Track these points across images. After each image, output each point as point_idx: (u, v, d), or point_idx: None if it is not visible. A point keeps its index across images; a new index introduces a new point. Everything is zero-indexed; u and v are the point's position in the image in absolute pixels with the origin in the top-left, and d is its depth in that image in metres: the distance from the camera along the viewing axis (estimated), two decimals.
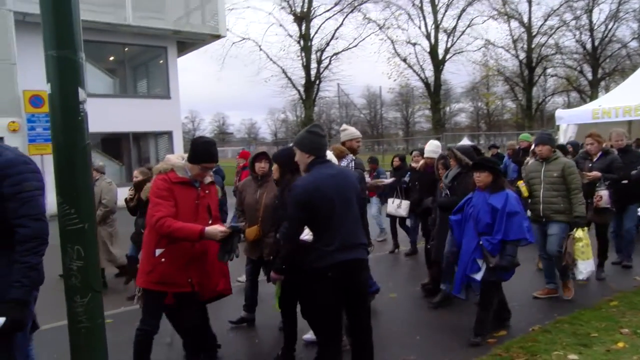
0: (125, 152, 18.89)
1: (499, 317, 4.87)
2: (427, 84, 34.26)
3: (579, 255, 5.33)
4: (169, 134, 19.19)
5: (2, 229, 2.40)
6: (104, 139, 18.23)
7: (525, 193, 5.65)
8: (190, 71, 79.84)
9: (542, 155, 5.58)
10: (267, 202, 4.65)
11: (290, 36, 29.60)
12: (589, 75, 36.17)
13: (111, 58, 19.28)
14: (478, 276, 4.55)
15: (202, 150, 3.54)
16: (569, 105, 40.84)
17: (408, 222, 8.42)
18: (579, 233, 5.35)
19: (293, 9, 28.83)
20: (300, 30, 29.16)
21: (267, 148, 5.70)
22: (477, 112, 58.47)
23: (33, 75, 14.98)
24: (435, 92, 33.63)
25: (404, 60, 33.58)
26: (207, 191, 3.65)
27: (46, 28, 1.84)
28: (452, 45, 33.58)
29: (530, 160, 7.40)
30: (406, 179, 8.01)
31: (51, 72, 1.86)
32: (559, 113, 12.09)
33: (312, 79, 29.86)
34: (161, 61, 19.34)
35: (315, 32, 29.90)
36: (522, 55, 35.52)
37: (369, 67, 55.62)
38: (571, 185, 5.42)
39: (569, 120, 11.42)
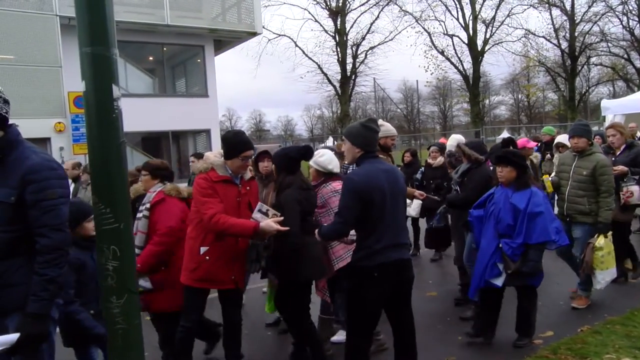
0: (165, 150, 19.24)
1: (521, 331, 4.47)
2: (465, 77, 33.56)
3: (598, 265, 4.90)
4: (207, 132, 19.43)
5: (25, 236, 2.35)
6: (144, 138, 18.63)
7: (549, 188, 5.24)
8: (227, 69, 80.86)
9: (578, 148, 5.09)
10: (274, 202, 4.62)
11: (326, 31, 29.58)
12: (637, 63, 34.65)
13: (150, 58, 19.65)
14: (499, 281, 4.23)
15: (236, 141, 3.49)
16: (614, 95, 39.31)
17: (420, 223, 7.88)
18: (600, 241, 4.88)
19: (328, 3, 28.78)
20: (336, 25, 29.04)
21: (270, 147, 5.54)
22: (518, 105, 57.04)
23: (77, 77, 15.40)
24: (474, 84, 32.88)
25: (442, 52, 33.00)
26: (248, 187, 3.61)
27: (80, 25, 1.82)
28: (491, 36, 32.78)
29: (556, 155, 7.01)
30: (418, 175, 7.56)
31: (85, 70, 1.84)
32: (604, 103, 11.60)
33: (348, 74, 29.69)
34: (199, 60, 19.59)
35: (351, 27, 29.80)
36: (565, 45, 34.32)
37: (405, 60, 55.01)
38: (601, 187, 4.91)
39: (616, 111, 10.94)
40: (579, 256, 5.07)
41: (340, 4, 28.69)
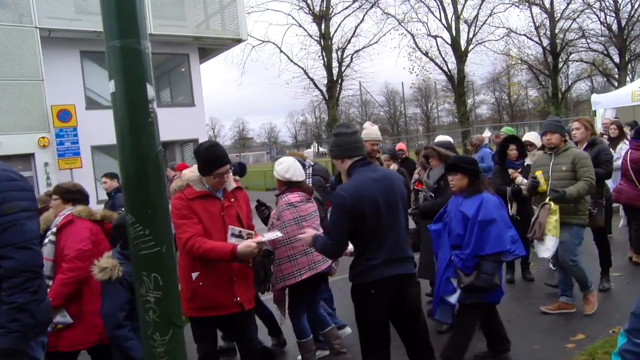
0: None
1: (496, 348, 4.07)
2: (450, 77, 33.61)
3: (550, 230, 4.56)
4: (195, 141, 19.07)
5: None
6: None
7: (544, 185, 4.83)
8: (209, 78, 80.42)
9: (551, 144, 4.80)
10: None
11: (310, 36, 29.28)
12: (616, 58, 35.08)
13: None
14: (452, 299, 3.81)
15: (207, 157, 3.13)
16: (593, 90, 39.71)
17: None
18: (554, 206, 4.60)
19: (311, 8, 28.52)
20: (320, 29, 28.79)
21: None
22: (499, 104, 57.49)
23: (59, 90, 15.07)
24: (460, 84, 32.96)
25: (426, 54, 32.97)
26: (232, 199, 3.23)
27: (106, 16, 1.54)
28: (474, 36, 32.89)
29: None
30: None
31: (114, 67, 1.56)
32: (595, 98, 11.59)
33: (335, 78, 29.48)
34: (183, 69, 19.27)
35: (335, 31, 29.52)
36: (546, 42, 34.61)
37: (389, 64, 55.26)
38: (581, 176, 4.59)
39: (606, 105, 10.95)
40: (568, 259, 4.71)
41: (324, 9, 28.50)
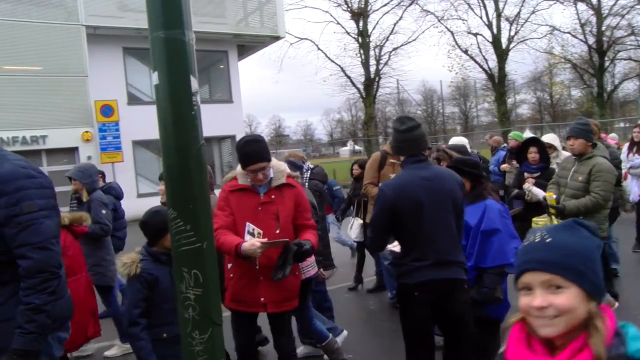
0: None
1: None
2: (490, 75, 32.92)
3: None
4: (233, 137, 19.25)
5: (11, 260, 1.97)
6: None
7: (552, 211, 4.37)
8: (247, 75, 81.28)
9: (574, 151, 4.39)
10: None
11: (348, 33, 29.17)
12: None
13: None
14: None
15: (241, 153, 3.05)
16: None
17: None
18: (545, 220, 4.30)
19: (349, 5, 28.40)
20: (358, 26, 28.64)
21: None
22: (540, 103, 55.94)
23: (102, 85, 15.47)
24: (500, 83, 32.24)
25: (465, 51, 32.40)
26: (273, 196, 3.10)
27: (151, 6, 1.50)
28: (515, 34, 32.09)
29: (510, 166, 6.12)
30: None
31: (158, 58, 1.52)
32: None
33: (372, 76, 29.27)
34: (222, 66, 19.48)
35: (373, 28, 29.30)
36: (592, 40, 33.42)
37: (427, 61, 54.39)
38: (590, 191, 4.17)
39: None
40: None
41: (362, 6, 28.32)
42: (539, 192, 5.06)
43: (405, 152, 2.95)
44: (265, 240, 2.93)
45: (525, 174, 5.47)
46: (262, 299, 3.08)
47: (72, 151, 15.57)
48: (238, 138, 19.16)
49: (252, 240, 2.91)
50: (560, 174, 4.62)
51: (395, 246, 3.13)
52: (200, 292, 1.55)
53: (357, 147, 40.86)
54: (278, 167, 3.19)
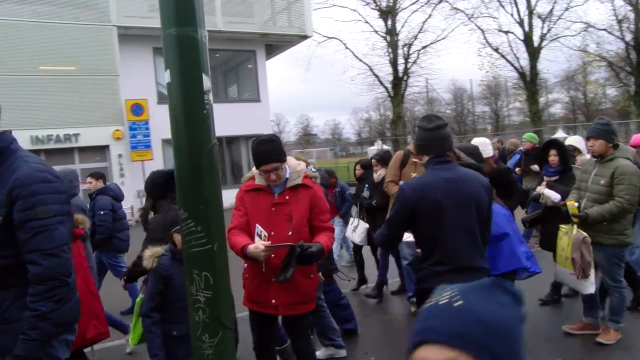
0: (218, 156, 19.31)
1: None
2: (522, 74, 32.26)
3: (591, 262, 3.99)
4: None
5: (20, 263, 1.95)
6: None
7: (575, 220, 4.12)
8: (274, 74, 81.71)
9: (594, 152, 4.15)
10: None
11: (376, 32, 28.98)
12: None
13: None
14: None
15: (254, 153, 3.00)
16: None
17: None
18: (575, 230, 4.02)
19: (378, 3, 28.22)
20: (386, 25, 28.44)
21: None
22: (574, 103, 54.55)
23: (133, 85, 15.74)
24: (532, 81, 31.55)
25: (496, 50, 31.83)
26: (287, 197, 3.04)
27: (164, 3, 1.48)
28: (548, 31, 31.35)
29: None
30: (365, 193, 6.14)
31: (170, 56, 1.50)
32: None
33: (400, 74, 29.03)
34: (250, 65, 19.60)
35: (402, 26, 29.05)
36: (629, 37, 32.37)
37: (457, 60, 53.72)
38: (616, 197, 3.94)
39: None
40: (611, 284, 4.15)
41: (391, 4, 28.11)
42: (551, 195, 4.84)
43: (430, 152, 2.86)
44: (268, 243, 2.88)
45: (544, 177, 5.31)
46: (273, 301, 3.03)
47: (103, 149, 15.89)
48: None
49: (257, 243, 2.88)
50: (581, 177, 4.37)
51: (408, 237, 3.09)
52: (210, 294, 1.52)
53: (385, 147, 40.58)
54: (294, 168, 3.14)
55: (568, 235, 4.07)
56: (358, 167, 6.84)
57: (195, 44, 1.49)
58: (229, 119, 17.92)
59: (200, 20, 1.50)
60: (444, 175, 2.77)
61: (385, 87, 29.80)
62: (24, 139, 14.51)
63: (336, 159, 39.65)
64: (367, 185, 6.27)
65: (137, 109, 15.81)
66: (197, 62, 1.50)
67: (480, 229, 2.80)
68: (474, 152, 4.28)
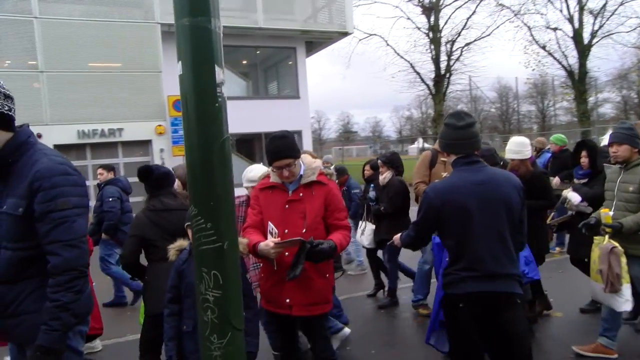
0: (257, 152, 19.48)
1: None
2: (570, 72, 31.13)
3: (624, 276, 3.67)
4: (299, 133, 19.43)
5: (39, 255, 1.99)
6: (238, 140, 18.96)
7: (609, 230, 3.84)
8: (315, 71, 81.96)
9: (618, 158, 3.94)
10: None
11: (419, 29, 28.59)
12: None
13: (244, 61, 20.00)
14: None
15: (268, 149, 2.98)
16: None
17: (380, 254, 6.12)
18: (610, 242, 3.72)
19: (421, 0, 27.84)
20: (429, 21, 28.02)
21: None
22: (626, 102, 52.28)
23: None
24: (580, 80, 30.39)
25: (543, 47, 30.81)
26: (301, 194, 2.99)
27: None
28: (600, 28, 30.09)
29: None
30: (371, 194, 6.01)
31: (182, 47, 1.45)
32: None
33: (442, 72, 28.53)
34: (290, 62, 19.67)
35: (445, 23, 28.55)
36: None
37: (502, 57, 52.36)
38: None
39: None
40: None
41: (434, 0, 27.66)
42: (573, 198, 4.62)
43: (458, 151, 2.72)
44: (278, 240, 2.85)
45: (575, 180, 5.06)
46: (287, 301, 2.99)
47: (146, 144, 16.28)
48: (304, 134, 19.51)
49: (268, 241, 2.85)
50: (607, 187, 4.14)
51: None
52: (219, 294, 1.47)
53: (426, 145, 39.99)
54: (309, 164, 3.08)
55: (600, 247, 3.79)
56: (367, 167, 6.70)
57: (209, 35, 1.44)
58: (269, 116, 18.04)
59: (215, 9, 1.44)
60: (471, 178, 2.63)
61: (427, 85, 29.37)
62: (71, 134, 15.07)
63: (375, 157, 39.26)
64: (372, 186, 6.11)
65: (179, 104, 16.08)
66: (210, 54, 1.45)
67: (512, 233, 2.65)
68: (487, 154, 4.07)
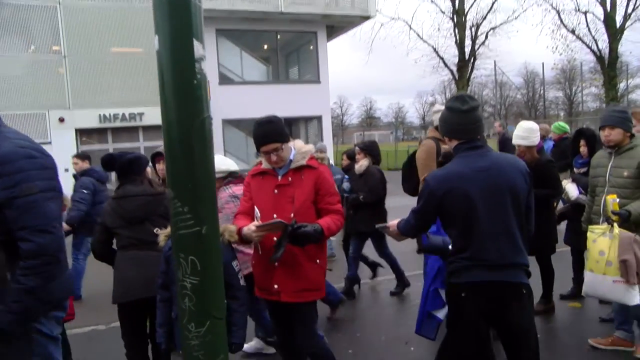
0: (211, 131, 19.41)
1: None
2: (600, 57, 30.20)
3: None
4: (319, 118, 19.33)
5: (9, 242, 1.91)
6: None
7: (615, 217, 3.56)
8: (338, 57, 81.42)
9: (610, 142, 3.75)
10: None
11: (443, 12, 28.02)
12: None
13: (265, 46, 19.91)
14: (441, 314, 3.23)
15: (254, 134, 2.91)
16: None
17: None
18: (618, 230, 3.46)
19: None
20: (454, 5, 27.42)
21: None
22: None
23: None
24: (610, 65, 29.46)
25: (572, 31, 29.93)
26: (290, 178, 2.93)
27: None
28: (633, 10, 29.04)
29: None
30: (345, 185, 5.78)
31: (159, 19, 1.36)
32: None
33: (466, 56, 27.96)
34: (311, 47, 19.52)
35: (470, 6, 27.92)
36: None
37: (528, 42, 51.11)
38: None
39: None
40: None
41: None
42: (570, 190, 4.46)
43: (461, 136, 2.59)
44: (258, 222, 2.81)
45: (575, 169, 4.88)
46: (275, 287, 2.93)
47: None
48: (324, 119, 19.38)
49: (250, 225, 2.80)
50: (596, 172, 3.95)
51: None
52: (197, 281, 1.40)
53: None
54: (300, 149, 3.02)
55: (608, 236, 3.49)
56: (344, 157, 6.48)
57: (187, 7, 1.34)
58: (289, 100, 17.97)
59: None
60: (474, 164, 2.51)
61: (450, 70, 28.87)
62: (92, 118, 15.25)
63: (397, 143, 38.97)
64: (347, 177, 5.90)
65: None
66: (189, 27, 1.35)
67: (518, 221, 2.52)
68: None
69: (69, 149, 15.32)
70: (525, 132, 4.53)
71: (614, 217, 3.51)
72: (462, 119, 2.57)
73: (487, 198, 2.45)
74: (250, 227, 2.78)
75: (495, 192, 2.47)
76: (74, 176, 6.13)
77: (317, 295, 3.05)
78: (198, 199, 1.40)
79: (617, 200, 3.58)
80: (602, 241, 3.52)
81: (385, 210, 5.49)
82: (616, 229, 3.47)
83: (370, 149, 5.64)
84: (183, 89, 1.37)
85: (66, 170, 14.74)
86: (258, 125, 2.92)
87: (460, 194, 2.46)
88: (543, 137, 8.37)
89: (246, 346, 4.05)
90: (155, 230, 3.05)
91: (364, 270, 6.07)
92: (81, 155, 6.21)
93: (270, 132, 2.88)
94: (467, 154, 2.55)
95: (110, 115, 15.42)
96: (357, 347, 4.32)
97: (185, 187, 1.39)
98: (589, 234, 3.65)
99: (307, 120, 20.03)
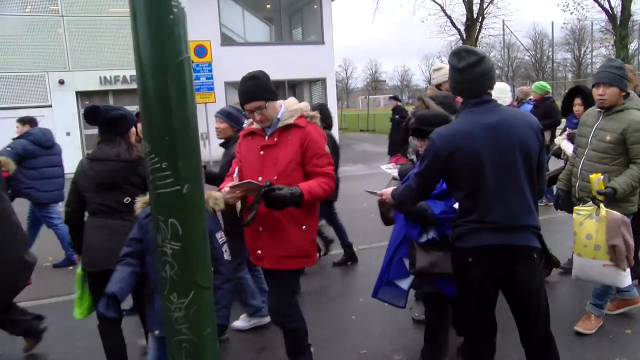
0: (281, 100, 19.18)
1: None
2: (612, 16, 29.34)
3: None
4: (323, 80, 18.95)
5: None
6: None
7: (600, 196, 3.30)
8: (343, 18, 79.72)
9: (604, 103, 3.42)
10: None
11: None
12: None
13: (268, 6, 19.36)
14: (404, 284, 3.05)
15: (238, 91, 2.74)
16: None
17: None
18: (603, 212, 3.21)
19: None
20: None
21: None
22: None
23: (196, 26, 15.62)
24: (622, 24, 28.64)
25: None
26: (275, 139, 2.75)
27: None
28: None
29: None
30: None
31: None
32: None
33: (475, 15, 27.22)
34: (315, 6, 18.96)
35: None
36: None
37: (537, 0, 49.71)
38: (633, 157, 3.30)
39: None
40: None
41: None
42: (568, 148, 4.26)
43: (466, 94, 2.41)
44: (231, 183, 2.68)
45: (567, 129, 4.66)
46: (259, 252, 2.81)
47: None
48: (329, 81, 18.99)
49: (225, 186, 2.67)
50: (580, 131, 3.64)
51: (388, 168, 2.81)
52: (178, 246, 1.25)
53: None
54: (290, 107, 2.84)
55: (594, 218, 3.25)
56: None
57: None
58: (293, 62, 17.58)
59: None
60: (482, 120, 2.32)
61: (458, 30, 28.15)
62: (93, 80, 14.97)
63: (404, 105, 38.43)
64: None
65: (201, 50, 15.74)
66: None
67: (529, 180, 2.35)
68: (445, 101, 3.66)
69: (70, 112, 15.14)
70: (497, 93, 4.29)
71: (600, 197, 3.27)
72: (462, 76, 2.38)
73: (496, 157, 2.28)
74: (225, 189, 2.64)
75: (505, 150, 2.29)
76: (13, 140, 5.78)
77: (302, 262, 2.88)
78: (177, 155, 1.23)
79: (602, 178, 3.31)
80: (589, 224, 3.28)
81: (337, 178, 5.25)
82: (602, 210, 3.22)
83: (320, 112, 5.44)
84: (157, 27, 1.18)
85: (68, 134, 14.67)
86: (242, 81, 2.73)
87: (468, 153, 2.28)
88: (521, 100, 8.14)
89: (241, 324, 3.98)
90: (125, 200, 2.85)
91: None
92: (22, 119, 5.87)
93: (253, 89, 2.70)
94: (474, 110, 2.37)
95: (111, 77, 15.15)
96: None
97: (162, 140, 1.21)
98: (574, 215, 3.40)
99: (311, 82, 19.65)
